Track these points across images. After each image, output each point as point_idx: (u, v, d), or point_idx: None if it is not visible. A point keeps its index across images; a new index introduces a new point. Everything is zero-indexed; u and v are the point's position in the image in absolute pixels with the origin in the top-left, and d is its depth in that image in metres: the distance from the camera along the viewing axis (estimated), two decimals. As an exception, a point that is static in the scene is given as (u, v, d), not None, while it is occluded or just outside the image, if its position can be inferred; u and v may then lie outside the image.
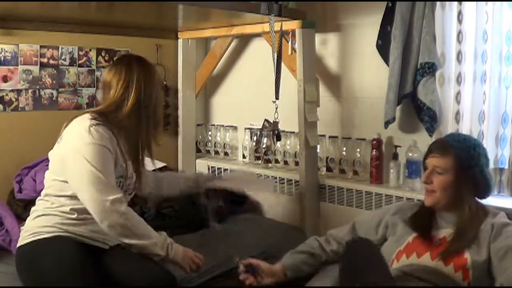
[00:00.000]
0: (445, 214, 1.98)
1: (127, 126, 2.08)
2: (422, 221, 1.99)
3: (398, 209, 2.13)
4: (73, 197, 2.00)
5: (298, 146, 3.04)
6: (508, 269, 1.76)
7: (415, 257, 1.90)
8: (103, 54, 3.30)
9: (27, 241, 2.01)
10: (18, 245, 2.05)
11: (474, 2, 2.46)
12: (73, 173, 1.97)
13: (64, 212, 2.02)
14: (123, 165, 2.08)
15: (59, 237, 1.99)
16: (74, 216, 2.01)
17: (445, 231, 1.94)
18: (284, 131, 3.05)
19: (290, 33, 2.96)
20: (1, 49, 2.92)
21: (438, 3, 2.55)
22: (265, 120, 3.30)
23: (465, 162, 1.92)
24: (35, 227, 2.03)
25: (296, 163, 3.12)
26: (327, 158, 3.03)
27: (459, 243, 1.86)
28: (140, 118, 2.09)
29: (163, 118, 2.18)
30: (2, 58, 2.93)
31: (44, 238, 1.99)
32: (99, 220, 1.94)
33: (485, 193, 2.00)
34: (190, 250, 2.13)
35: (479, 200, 2.00)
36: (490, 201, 2.35)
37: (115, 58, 2.26)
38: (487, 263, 1.82)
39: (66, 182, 2.00)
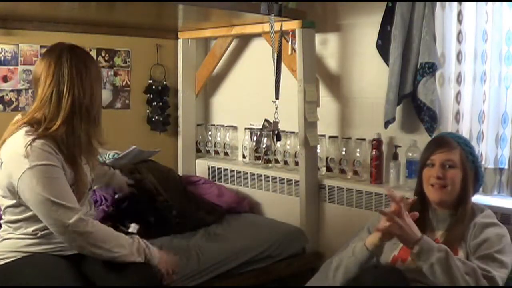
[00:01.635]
0: (440, 213, 1.97)
1: (65, 131, 1.89)
2: (416, 224, 1.97)
3: None
4: (31, 218, 1.88)
5: (298, 146, 3.04)
6: (471, 261, 1.78)
7: (410, 261, 1.89)
8: (103, 54, 3.31)
9: None
10: None
11: (474, 2, 2.46)
12: (29, 203, 1.84)
13: (27, 234, 1.90)
14: (71, 172, 1.92)
15: (28, 257, 1.89)
16: (38, 235, 1.90)
17: (438, 233, 1.95)
18: (284, 131, 3.05)
19: (290, 33, 2.96)
20: (1, 49, 2.93)
21: (438, 3, 2.55)
22: (265, 120, 3.30)
23: (469, 156, 1.97)
24: (2, 251, 1.92)
25: (296, 163, 3.12)
26: (327, 158, 3.03)
27: (452, 242, 1.86)
28: (77, 119, 1.90)
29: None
30: (2, 58, 2.93)
31: (12, 261, 1.89)
32: (67, 244, 1.86)
33: (479, 188, 2.07)
34: (165, 253, 2.03)
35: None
36: (490, 201, 2.37)
37: (45, 50, 2.05)
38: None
39: (20, 205, 1.88)
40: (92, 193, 2.31)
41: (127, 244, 1.90)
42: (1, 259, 1.91)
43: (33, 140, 1.82)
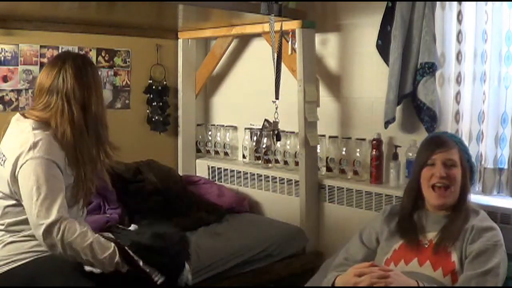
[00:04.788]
0: (433, 215, 1.96)
1: (74, 135, 1.90)
2: (408, 227, 1.97)
3: (386, 214, 2.10)
4: None
5: (298, 146, 3.04)
6: (467, 272, 1.77)
7: (403, 264, 1.88)
8: (103, 54, 3.31)
9: (2, 271, 1.86)
10: None
11: (474, 2, 2.47)
12: (21, 190, 1.83)
13: (30, 236, 1.85)
14: (73, 172, 1.92)
15: (41, 259, 1.85)
16: None
17: (431, 235, 1.92)
18: (284, 131, 3.05)
19: (290, 33, 2.96)
20: (1, 49, 2.93)
21: (438, 3, 2.55)
22: (265, 120, 3.30)
23: (466, 154, 2.00)
24: (8, 255, 1.87)
25: (296, 163, 3.12)
26: (327, 158, 3.03)
27: (445, 242, 1.86)
28: (87, 125, 1.93)
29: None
30: (2, 58, 2.93)
31: (24, 264, 1.85)
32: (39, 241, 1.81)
33: (472, 185, 2.11)
34: None
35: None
36: (490, 201, 2.37)
37: (51, 59, 2.07)
38: None
39: (20, 205, 1.86)
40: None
41: (100, 253, 1.81)
42: (9, 263, 1.86)
43: (42, 133, 1.85)
